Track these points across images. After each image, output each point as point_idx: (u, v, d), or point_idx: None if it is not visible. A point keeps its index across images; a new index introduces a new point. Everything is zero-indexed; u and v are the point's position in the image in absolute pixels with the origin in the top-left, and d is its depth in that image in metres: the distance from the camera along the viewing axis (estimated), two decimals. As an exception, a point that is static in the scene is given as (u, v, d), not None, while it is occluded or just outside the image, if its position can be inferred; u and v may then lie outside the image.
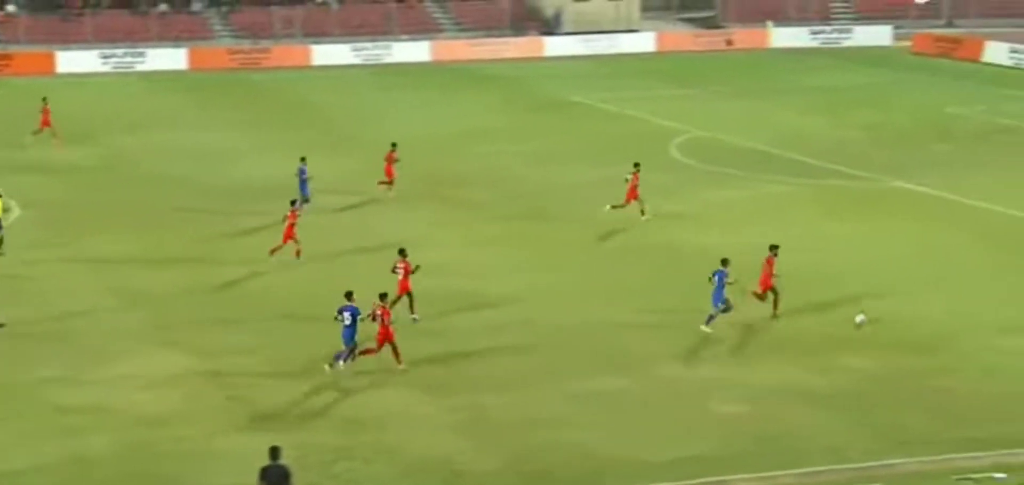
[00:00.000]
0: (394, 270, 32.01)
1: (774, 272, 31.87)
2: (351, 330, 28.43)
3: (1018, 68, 74.43)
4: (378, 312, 28.56)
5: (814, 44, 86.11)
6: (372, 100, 67.77)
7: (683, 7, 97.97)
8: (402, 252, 32.44)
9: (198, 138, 56.88)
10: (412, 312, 31.90)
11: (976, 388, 28.07)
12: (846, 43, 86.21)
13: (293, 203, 38.01)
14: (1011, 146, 53.50)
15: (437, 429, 26.39)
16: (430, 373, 28.97)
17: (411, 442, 25.77)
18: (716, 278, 31.08)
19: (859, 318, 31.23)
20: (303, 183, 41.94)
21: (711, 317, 31.01)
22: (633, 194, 41.29)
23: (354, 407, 27.42)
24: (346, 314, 28.43)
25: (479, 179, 47.36)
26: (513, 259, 37.79)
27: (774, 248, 32.29)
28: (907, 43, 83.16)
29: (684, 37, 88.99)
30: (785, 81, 72.70)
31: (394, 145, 45.53)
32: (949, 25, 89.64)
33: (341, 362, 28.64)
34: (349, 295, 28.75)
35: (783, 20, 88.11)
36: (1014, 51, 76.36)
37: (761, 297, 31.98)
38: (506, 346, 30.44)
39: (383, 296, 28.92)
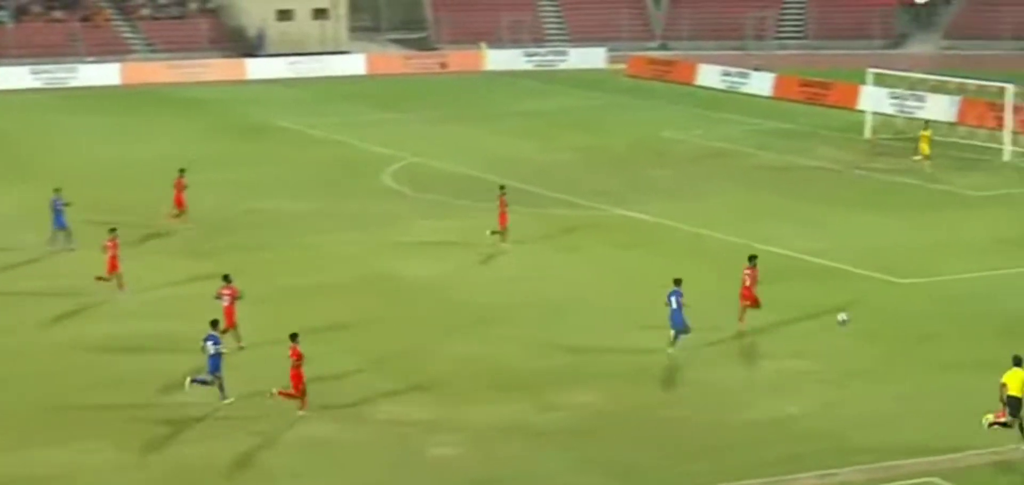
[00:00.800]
0: (218, 297, 32.00)
1: (756, 284, 33.81)
2: (215, 359, 28.56)
3: (731, 91, 77.51)
4: (292, 357, 28.40)
5: (529, 66, 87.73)
6: (58, 126, 65.47)
7: (394, 28, 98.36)
8: (226, 278, 32.46)
9: None
10: (239, 341, 31.93)
11: (701, 418, 28.75)
12: (561, 65, 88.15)
13: (112, 231, 36.97)
14: (727, 170, 55.47)
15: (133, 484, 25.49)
16: (126, 422, 27.92)
17: (106, 502, 24.76)
18: (673, 299, 31.89)
19: (841, 317, 32.61)
20: (58, 214, 40.20)
21: (676, 339, 31.86)
22: (504, 219, 41.88)
23: (39, 464, 26.22)
24: (208, 344, 28.65)
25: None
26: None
27: (753, 259, 34.21)
28: (621, 66, 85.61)
29: (395, 59, 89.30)
30: (500, 105, 73.73)
31: (182, 171, 44.36)
32: (662, 47, 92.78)
33: (195, 383, 28.89)
34: (214, 324, 29.14)
35: (497, 42, 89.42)
36: (726, 74, 79.50)
37: (755, 305, 33.78)
38: (209, 392, 29.58)
39: (294, 336, 28.58)
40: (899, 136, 61.60)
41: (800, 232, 44.13)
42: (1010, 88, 58.27)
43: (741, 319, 33.99)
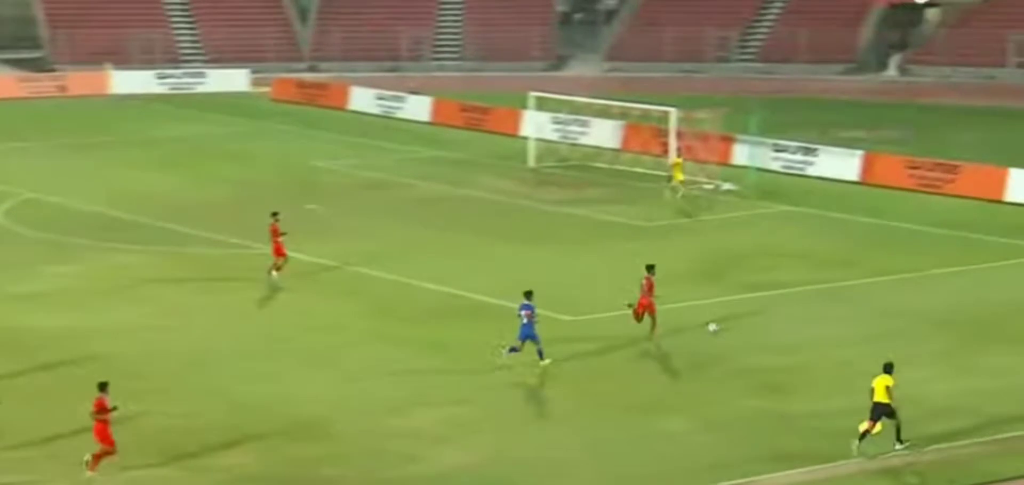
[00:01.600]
0: None
1: (654, 293, 36.49)
2: None
3: (387, 116, 78.24)
4: (95, 410, 27.75)
5: (162, 89, 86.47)
6: None
7: (2, 46, 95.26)
8: None
9: None
10: None
11: (366, 475, 29.00)
12: (199, 88, 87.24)
13: None
14: (383, 203, 55.96)
15: None
16: None
17: None
18: (526, 312, 34.14)
19: (712, 327, 35.79)
20: None
21: (539, 351, 34.47)
22: (280, 249, 42.10)
23: None
24: None
25: None
26: None
27: (651, 268, 36.82)
28: (266, 88, 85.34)
29: (6, 81, 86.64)
30: (130, 132, 72.46)
31: None
32: (311, 69, 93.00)
33: None
34: None
35: (124, 62, 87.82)
36: (380, 98, 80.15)
37: (639, 318, 36.64)
38: None
39: (103, 386, 27.83)
40: (563, 164, 63.62)
41: (462, 268, 45.01)
42: (674, 112, 60.83)
43: (650, 327, 36.72)
